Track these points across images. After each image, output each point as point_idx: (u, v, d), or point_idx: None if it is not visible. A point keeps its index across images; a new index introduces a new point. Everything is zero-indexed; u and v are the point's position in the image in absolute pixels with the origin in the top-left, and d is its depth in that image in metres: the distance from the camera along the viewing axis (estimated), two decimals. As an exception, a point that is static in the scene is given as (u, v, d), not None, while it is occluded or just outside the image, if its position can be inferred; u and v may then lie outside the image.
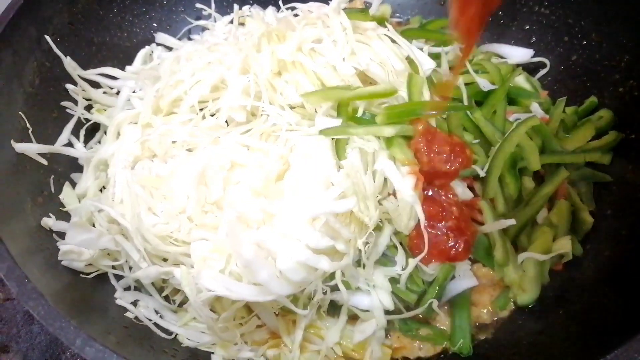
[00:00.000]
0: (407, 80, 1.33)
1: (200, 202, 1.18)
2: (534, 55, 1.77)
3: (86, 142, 1.54)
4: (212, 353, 1.23)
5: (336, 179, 1.15)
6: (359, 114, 1.27)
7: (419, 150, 1.28)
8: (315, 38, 1.34)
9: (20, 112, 1.37)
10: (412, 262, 1.26)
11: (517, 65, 1.74)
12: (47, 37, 1.48)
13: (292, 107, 1.34)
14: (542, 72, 1.76)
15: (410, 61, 1.40)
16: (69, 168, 1.46)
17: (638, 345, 0.95)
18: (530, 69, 1.78)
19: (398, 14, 2.02)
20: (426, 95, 1.34)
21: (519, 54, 1.76)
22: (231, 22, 1.72)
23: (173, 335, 1.25)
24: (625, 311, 1.16)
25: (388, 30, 1.44)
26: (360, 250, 1.21)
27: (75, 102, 1.54)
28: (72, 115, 1.52)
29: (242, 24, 1.73)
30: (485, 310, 1.38)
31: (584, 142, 1.53)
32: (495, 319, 1.38)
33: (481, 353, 1.30)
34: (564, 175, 1.43)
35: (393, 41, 1.44)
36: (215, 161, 1.20)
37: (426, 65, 1.41)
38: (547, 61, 1.74)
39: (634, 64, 1.50)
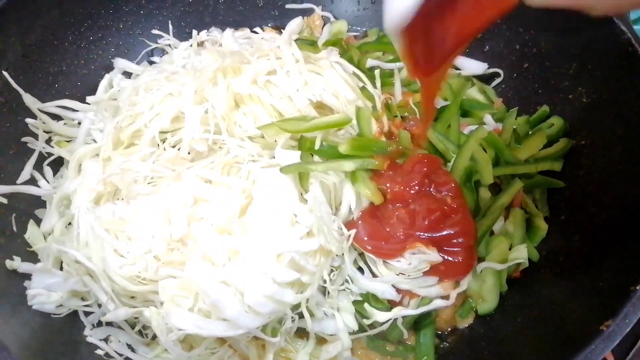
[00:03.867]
0: (355, 113, 1.36)
1: (165, 240, 1.20)
2: (489, 64, 1.82)
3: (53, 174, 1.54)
4: (186, 383, 1.26)
5: (300, 214, 1.18)
6: (317, 145, 1.30)
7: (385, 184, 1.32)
8: (269, 70, 1.36)
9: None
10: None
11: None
12: (5, 73, 1.47)
13: (251, 139, 1.37)
14: (497, 81, 1.81)
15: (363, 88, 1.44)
16: (32, 204, 1.45)
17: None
18: (485, 77, 1.83)
19: (355, 27, 2.04)
20: (385, 122, 1.38)
21: (474, 67, 1.80)
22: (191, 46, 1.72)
23: (145, 368, 1.27)
24: (581, 317, 1.22)
25: (339, 57, 1.47)
26: (327, 279, 1.25)
27: (36, 136, 1.53)
28: (32, 150, 1.51)
29: (201, 45, 1.74)
30: (448, 320, 1.45)
31: (536, 151, 1.58)
32: (458, 328, 1.44)
33: (444, 364, 1.37)
34: (519, 186, 1.49)
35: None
36: (178, 198, 1.22)
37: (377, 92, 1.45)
38: (500, 71, 1.79)
39: (582, 71, 1.55)
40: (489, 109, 1.67)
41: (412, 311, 1.28)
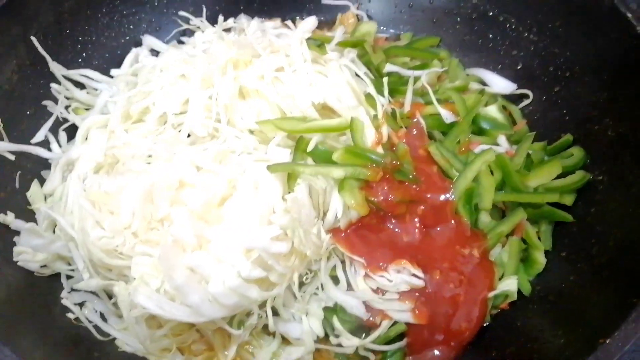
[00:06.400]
0: (350, 124, 1.32)
1: (146, 218, 1.23)
2: (520, 83, 1.74)
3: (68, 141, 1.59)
4: (147, 360, 1.29)
5: (277, 213, 1.18)
6: (310, 146, 1.29)
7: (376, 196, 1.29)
8: (278, 67, 1.36)
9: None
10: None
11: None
12: (33, 39, 1.52)
13: (251, 132, 1.38)
14: (525, 102, 1.73)
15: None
16: (40, 165, 1.51)
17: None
18: (514, 96, 1.76)
19: (389, 29, 2.01)
20: (384, 132, 1.35)
21: (502, 85, 1.74)
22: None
23: (109, 338, 1.31)
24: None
25: (353, 60, 1.44)
26: (297, 282, 1.25)
27: (56, 100, 1.59)
28: (48, 113, 1.57)
29: (228, 31, 1.76)
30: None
31: (548, 180, 1.49)
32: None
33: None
34: (521, 217, 1.42)
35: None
36: (164, 180, 1.24)
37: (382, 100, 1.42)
38: (530, 93, 1.72)
39: (612, 102, 1.47)
40: (504, 130, 1.60)
41: (377, 347, 1.28)
